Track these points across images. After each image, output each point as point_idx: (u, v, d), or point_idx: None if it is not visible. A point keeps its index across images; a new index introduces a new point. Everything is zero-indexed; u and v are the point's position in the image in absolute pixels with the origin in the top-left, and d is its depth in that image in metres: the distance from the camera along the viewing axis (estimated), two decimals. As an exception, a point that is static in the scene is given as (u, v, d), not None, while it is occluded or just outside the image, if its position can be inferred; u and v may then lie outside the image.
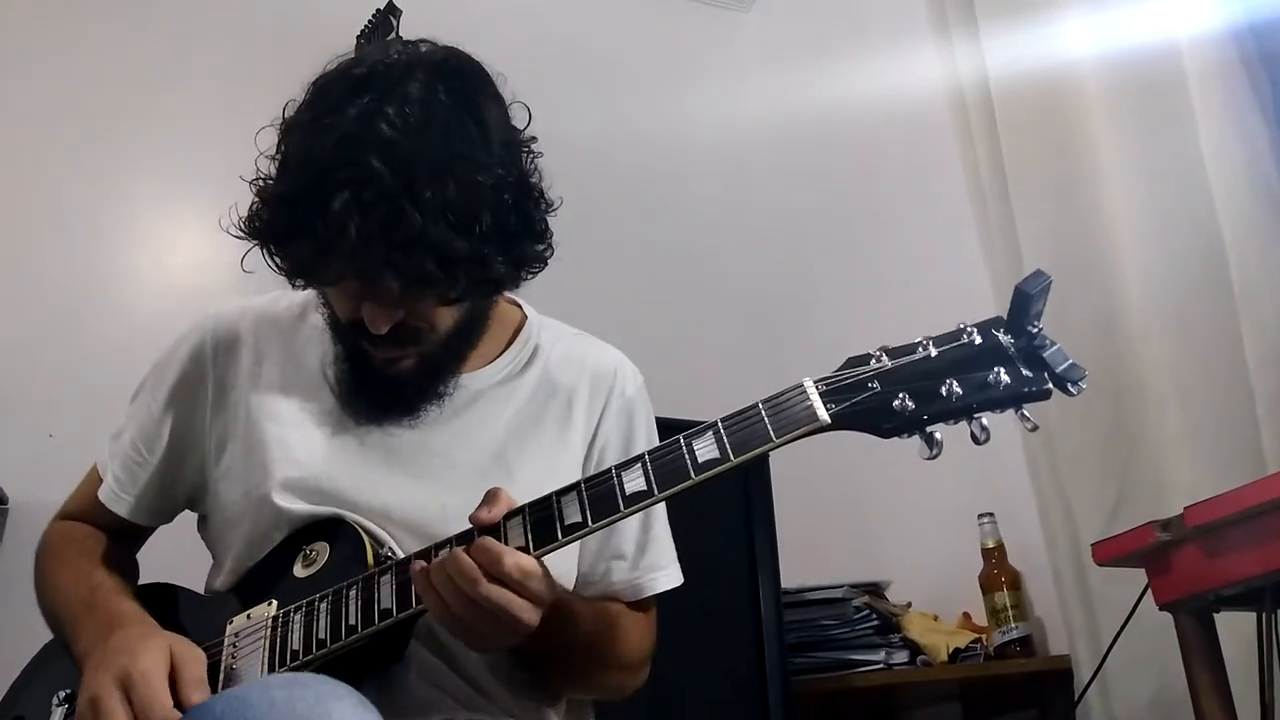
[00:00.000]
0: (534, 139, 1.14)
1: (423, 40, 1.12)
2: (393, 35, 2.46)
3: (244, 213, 1.11)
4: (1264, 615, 1.43)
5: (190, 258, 2.53)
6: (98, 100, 2.52)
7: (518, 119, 1.13)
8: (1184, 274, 1.84)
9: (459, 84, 1.07)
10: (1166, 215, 1.88)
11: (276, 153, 1.09)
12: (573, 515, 0.97)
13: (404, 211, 0.98)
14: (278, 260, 1.09)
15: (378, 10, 2.53)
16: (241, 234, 1.10)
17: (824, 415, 0.94)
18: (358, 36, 2.55)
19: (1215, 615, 1.42)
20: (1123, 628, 1.70)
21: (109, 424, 1.31)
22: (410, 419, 1.16)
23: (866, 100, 2.72)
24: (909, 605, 2.26)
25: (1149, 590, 1.43)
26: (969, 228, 2.33)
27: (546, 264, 1.15)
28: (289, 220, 1.04)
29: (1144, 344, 1.91)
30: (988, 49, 2.26)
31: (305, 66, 1.14)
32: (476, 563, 0.93)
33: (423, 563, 0.97)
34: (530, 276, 1.15)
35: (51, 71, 2.51)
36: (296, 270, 1.08)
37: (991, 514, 2.22)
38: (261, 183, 1.10)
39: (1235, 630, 1.51)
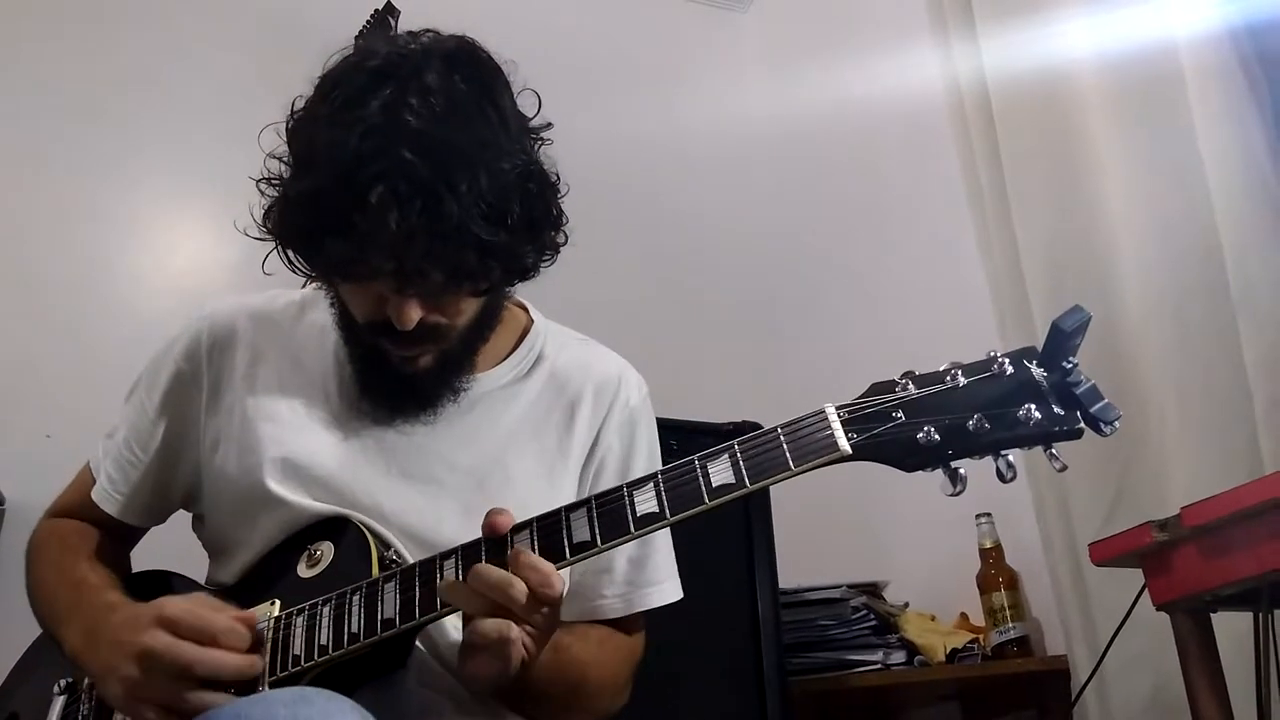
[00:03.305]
0: (549, 124, 1.13)
1: (426, 30, 1.10)
2: (391, 35, 2.46)
3: (259, 214, 1.09)
4: (1260, 615, 1.43)
5: (190, 259, 2.53)
6: (98, 101, 2.51)
7: (527, 106, 1.12)
8: (1182, 274, 1.84)
9: (475, 71, 1.07)
10: (1164, 215, 1.88)
11: (291, 150, 1.08)
12: (581, 534, 0.94)
13: (443, 202, 0.97)
14: (304, 261, 1.08)
15: (376, 10, 2.52)
16: (260, 236, 1.09)
17: (845, 446, 0.90)
18: (355, 37, 2.55)
19: (1212, 615, 1.42)
20: (1120, 628, 1.70)
21: (107, 425, 1.30)
22: (428, 415, 1.15)
23: (864, 100, 2.72)
24: (906, 605, 2.26)
25: (1146, 590, 1.44)
26: (967, 228, 2.33)
27: (560, 251, 1.15)
28: (321, 217, 1.01)
29: (1142, 344, 1.91)
30: (986, 49, 2.26)
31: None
32: (527, 581, 0.92)
33: (454, 580, 0.96)
34: (548, 263, 1.14)
35: (51, 72, 2.50)
36: (329, 269, 1.06)
37: (989, 514, 2.22)
38: (277, 182, 1.08)
39: (1232, 630, 1.51)
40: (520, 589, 0.91)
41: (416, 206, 0.97)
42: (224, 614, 0.98)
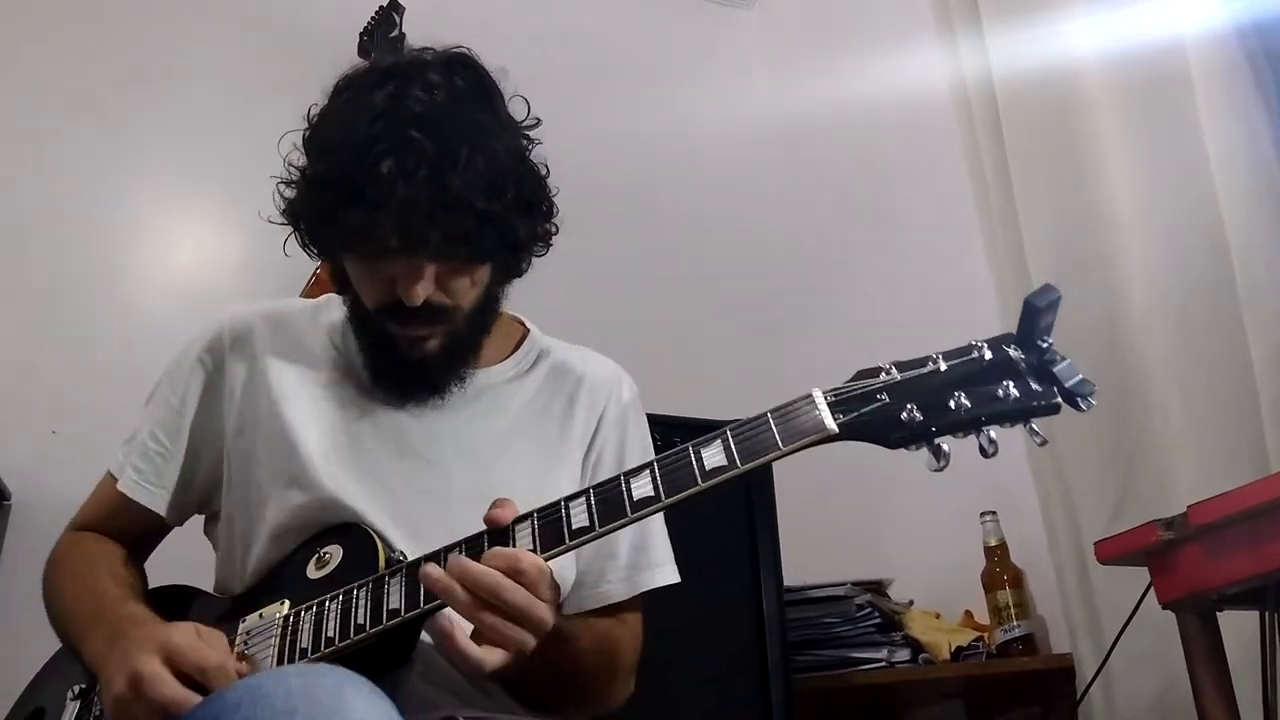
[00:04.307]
0: (539, 121, 1.22)
1: (426, 48, 1.19)
2: (395, 32, 2.46)
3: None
4: (1267, 614, 1.43)
5: (194, 255, 2.54)
6: (99, 100, 2.51)
7: (518, 113, 1.21)
8: (1188, 272, 1.84)
9: (472, 74, 1.17)
10: (1171, 214, 1.88)
11: (308, 145, 1.18)
12: (580, 520, 0.97)
13: (445, 174, 1.07)
14: (320, 237, 1.18)
15: (381, 7, 2.53)
16: (280, 220, 1.20)
17: (831, 425, 0.94)
18: (360, 34, 2.55)
19: (1218, 614, 1.42)
20: (1125, 626, 1.70)
21: (111, 420, 1.31)
22: (436, 399, 1.21)
23: (869, 98, 2.72)
24: (911, 603, 2.26)
25: (1152, 589, 1.44)
26: (973, 226, 2.33)
27: (550, 245, 1.24)
28: (336, 191, 1.10)
29: (1148, 342, 1.90)
30: (992, 47, 2.26)
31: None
32: (496, 569, 0.94)
33: (434, 565, 0.97)
34: (540, 253, 1.24)
35: (52, 72, 2.50)
36: (342, 239, 1.14)
37: (994, 512, 2.21)
38: (296, 175, 1.18)
39: (1238, 629, 1.51)
40: (499, 582, 0.93)
41: (422, 176, 1.06)
42: (223, 659, 0.98)
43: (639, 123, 2.96)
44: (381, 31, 2.48)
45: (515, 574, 0.94)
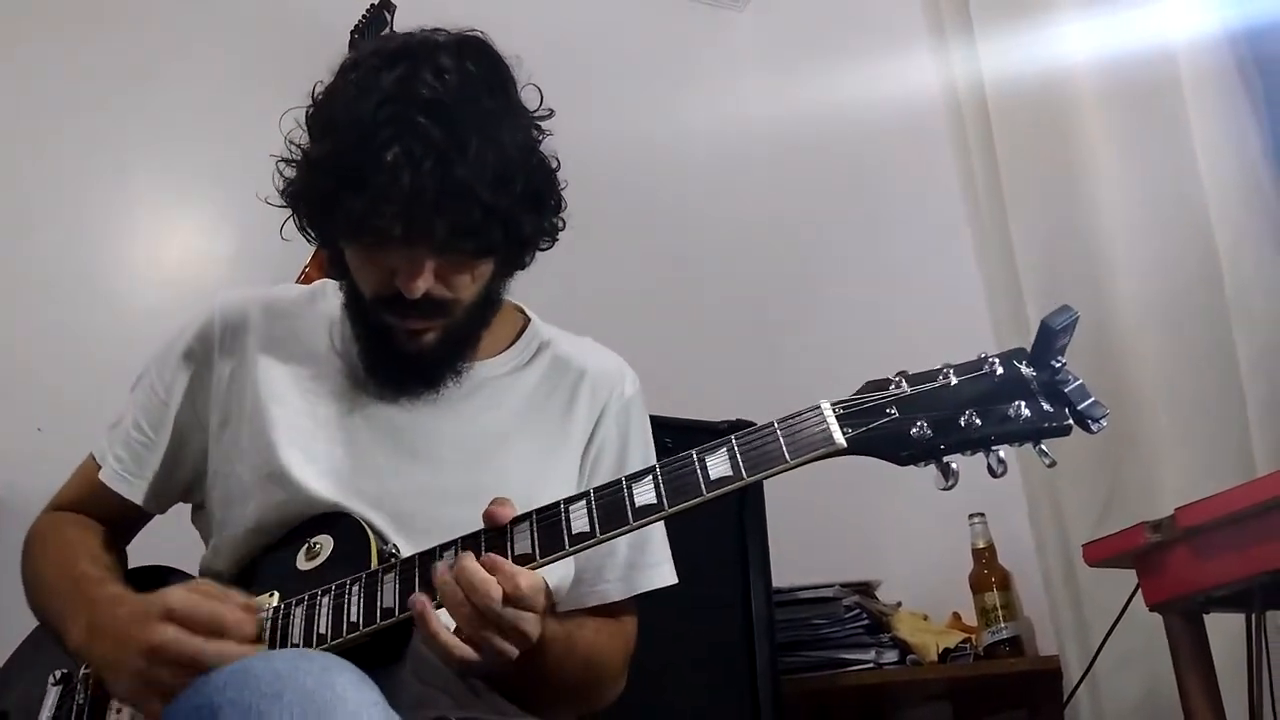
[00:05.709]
0: (551, 112, 1.19)
1: (439, 29, 1.15)
2: (387, 30, 2.46)
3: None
4: (1253, 617, 1.44)
5: (183, 251, 2.53)
6: (93, 95, 2.50)
7: (530, 101, 1.18)
8: (1177, 277, 1.84)
9: (485, 59, 1.14)
10: (1160, 219, 1.89)
11: (311, 123, 1.14)
12: (580, 524, 0.96)
13: (453, 165, 1.04)
14: (319, 222, 1.15)
15: (372, 5, 2.52)
16: (279, 203, 1.16)
17: (840, 439, 0.93)
18: (352, 31, 2.55)
19: (1205, 616, 1.42)
20: (1112, 628, 1.70)
21: (98, 417, 1.30)
22: (430, 394, 1.19)
23: (861, 101, 2.72)
24: (899, 605, 2.26)
25: (1139, 591, 1.44)
26: (963, 229, 2.33)
27: (556, 240, 1.21)
28: (339, 176, 1.07)
29: (1137, 346, 1.91)
30: (983, 52, 2.26)
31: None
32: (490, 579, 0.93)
33: (443, 565, 0.96)
34: (545, 247, 1.20)
35: (47, 66, 2.49)
36: (343, 226, 1.10)
37: (982, 514, 2.21)
38: (298, 155, 1.14)
39: (1224, 631, 1.51)
40: (486, 593, 0.93)
41: (428, 166, 1.03)
42: (229, 604, 0.99)
43: (631, 124, 2.96)
44: (373, 30, 2.47)
45: (513, 591, 0.93)
